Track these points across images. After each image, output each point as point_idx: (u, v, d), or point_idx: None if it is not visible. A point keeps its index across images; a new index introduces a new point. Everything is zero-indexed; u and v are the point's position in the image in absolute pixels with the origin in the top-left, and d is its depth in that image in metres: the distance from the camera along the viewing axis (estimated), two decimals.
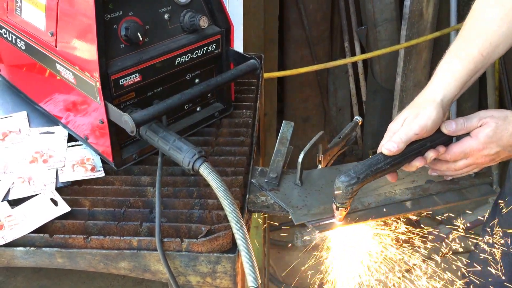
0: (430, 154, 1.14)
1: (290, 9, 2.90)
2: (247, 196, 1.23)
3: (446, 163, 1.18)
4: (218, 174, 1.07)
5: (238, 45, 2.35)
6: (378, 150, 1.13)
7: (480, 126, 1.13)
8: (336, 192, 1.09)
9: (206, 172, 1.07)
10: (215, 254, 1.07)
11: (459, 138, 1.15)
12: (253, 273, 1.02)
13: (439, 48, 2.99)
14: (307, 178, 1.29)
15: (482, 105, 3.22)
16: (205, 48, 1.29)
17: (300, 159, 1.25)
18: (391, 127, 1.14)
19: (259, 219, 1.67)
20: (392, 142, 1.10)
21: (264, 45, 2.67)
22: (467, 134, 1.14)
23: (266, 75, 2.55)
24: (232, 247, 1.09)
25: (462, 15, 2.95)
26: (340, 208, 1.12)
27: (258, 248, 2.04)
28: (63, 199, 1.17)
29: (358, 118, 1.47)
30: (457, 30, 2.88)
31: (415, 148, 1.12)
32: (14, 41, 1.35)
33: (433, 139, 1.13)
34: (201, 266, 1.08)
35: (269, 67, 2.80)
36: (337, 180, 1.08)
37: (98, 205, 1.17)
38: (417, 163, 1.14)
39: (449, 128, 1.14)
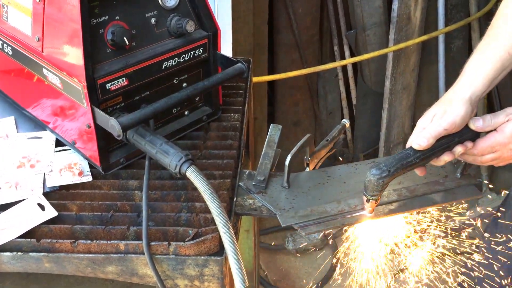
0: (459, 149, 1.17)
1: (279, 13, 2.91)
2: (234, 199, 1.23)
3: (472, 156, 1.21)
4: (205, 177, 1.07)
5: (227, 49, 2.36)
6: (407, 145, 1.16)
7: (507, 121, 1.16)
8: (367, 185, 1.12)
9: (193, 175, 1.08)
10: (202, 257, 1.07)
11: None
12: (240, 276, 1.03)
13: (427, 51, 3.02)
14: (294, 180, 1.30)
15: None
16: (192, 52, 1.29)
17: (287, 162, 1.25)
18: (420, 123, 1.18)
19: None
20: (422, 137, 1.13)
21: (253, 50, 2.68)
22: (494, 130, 1.17)
23: (256, 79, 2.56)
24: (220, 250, 1.09)
25: (449, 19, 2.98)
26: (370, 201, 1.14)
27: (248, 251, 2.05)
28: (51, 203, 1.17)
29: (345, 121, 1.48)
30: (445, 34, 2.91)
31: (444, 143, 1.15)
32: (1, 47, 1.35)
33: (461, 135, 1.17)
34: (189, 269, 1.09)
35: (259, 71, 2.80)
36: (368, 173, 1.11)
37: (86, 209, 1.17)
38: (446, 158, 1.17)
39: (476, 124, 1.16)
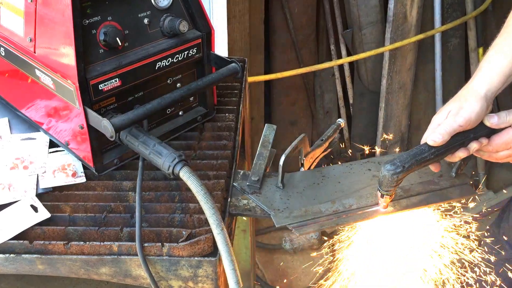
0: (474, 146, 1.17)
1: (275, 13, 2.91)
2: (229, 200, 1.23)
3: (487, 153, 1.22)
4: (198, 178, 1.07)
5: (223, 49, 2.36)
6: (422, 141, 1.16)
7: None
8: (381, 180, 1.12)
9: (186, 176, 1.07)
10: (196, 258, 1.07)
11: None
12: (234, 277, 1.02)
13: (423, 50, 3.01)
14: (289, 180, 1.30)
15: None
16: (185, 52, 1.29)
17: (281, 162, 1.25)
18: (435, 119, 1.18)
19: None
20: (437, 133, 1.13)
21: (250, 49, 2.68)
22: (510, 126, 1.17)
23: (252, 78, 2.55)
24: (214, 251, 1.08)
25: (446, 17, 2.97)
26: (385, 196, 1.15)
27: (245, 251, 2.04)
28: (44, 205, 1.16)
29: (340, 121, 1.47)
30: (441, 32, 2.90)
31: (459, 139, 1.15)
32: None
33: (476, 131, 1.17)
34: (183, 270, 1.08)
35: (255, 71, 2.80)
36: (383, 168, 1.11)
37: (79, 210, 1.16)
38: (461, 154, 1.17)
39: (491, 121, 1.17)
